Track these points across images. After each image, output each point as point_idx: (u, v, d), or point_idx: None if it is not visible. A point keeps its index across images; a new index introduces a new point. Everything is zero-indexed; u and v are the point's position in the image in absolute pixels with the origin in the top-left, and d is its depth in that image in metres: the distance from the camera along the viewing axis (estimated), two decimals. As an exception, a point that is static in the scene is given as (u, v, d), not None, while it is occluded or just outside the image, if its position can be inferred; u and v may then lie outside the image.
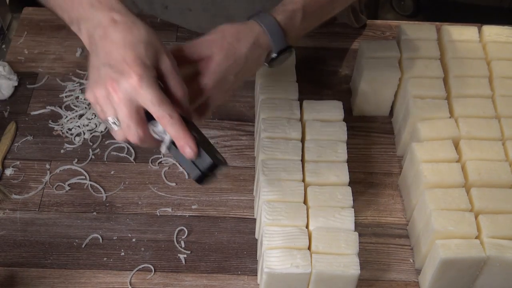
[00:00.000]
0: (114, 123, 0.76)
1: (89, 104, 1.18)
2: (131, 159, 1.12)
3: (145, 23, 0.79)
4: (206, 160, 0.77)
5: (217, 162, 0.78)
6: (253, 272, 1.00)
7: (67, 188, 1.08)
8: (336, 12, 1.03)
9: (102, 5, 0.78)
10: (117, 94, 0.73)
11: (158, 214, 1.06)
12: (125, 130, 0.75)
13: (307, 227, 0.93)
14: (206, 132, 1.16)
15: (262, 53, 0.90)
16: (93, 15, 0.78)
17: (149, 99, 0.73)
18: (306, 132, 1.02)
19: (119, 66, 0.73)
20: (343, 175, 0.98)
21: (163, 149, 0.79)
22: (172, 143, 0.77)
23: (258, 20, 0.91)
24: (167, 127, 0.75)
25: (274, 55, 0.91)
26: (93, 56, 0.77)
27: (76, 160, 1.12)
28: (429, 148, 1.01)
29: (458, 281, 0.94)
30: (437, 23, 1.25)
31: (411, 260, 1.02)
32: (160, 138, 0.78)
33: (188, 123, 0.77)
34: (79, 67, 1.24)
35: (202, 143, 0.78)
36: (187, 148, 0.75)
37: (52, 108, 1.18)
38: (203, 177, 0.78)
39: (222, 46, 0.85)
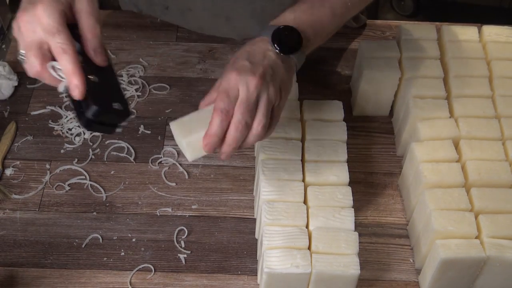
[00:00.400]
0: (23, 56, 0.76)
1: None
2: (131, 159, 1.12)
3: None
4: (91, 106, 0.74)
5: (103, 109, 0.75)
6: (253, 272, 1.00)
7: (67, 188, 1.08)
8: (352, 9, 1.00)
9: None
10: (22, 23, 0.74)
11: (158, 214, 1.06)
12: (26, 60, 0.75)
13: (307, 227, 0.93)
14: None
15: (265, 46, 0.87)
16: None
17: (46, 28, 0.72)
18: (306, 132, 1.02)
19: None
20: (343, 175, 0.98)
21: (61, 87, 0.76)
22: None
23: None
24: (59, 60, 0.73)
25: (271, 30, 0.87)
26: None
27: (76, 160, 1.12)
28: (429, 148, 1.01)
29: (458, 281, 0.94)
30: (437, 23, 1.25)
31: (411, 260, 1.02)
32: (60, 79, 0.76)
33: (96, 67, 0.76)
34: (79, 67, 1.24)
35: (102, 88, 0.76)
36: (74, 87, 0.73)
37: (52, 108, 1.18)
38: (90, 123, 0.76)
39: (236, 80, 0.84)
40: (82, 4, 0.76)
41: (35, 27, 0.73)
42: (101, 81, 0.77)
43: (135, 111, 1.17)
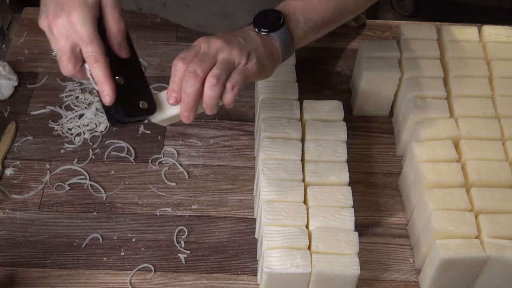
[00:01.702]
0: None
1: (89, 104, 1.18)
2: (131, 159, 1.12)
3: None
4: (119, 110, 0.80)
5: (130, 112, 0.81)
6: (253, 272, 1.00)
7: (67, 188, 1.08)
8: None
9: None
10: (56, 28, 0.77)
11: (158, 214, 1.06)
12: (59, 61, 0.78)
13: (307, 227, 0.93)
14: (206, 132, 1.16)
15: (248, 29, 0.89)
16: None
17: (80, 37, 0.76)
18: (306, 132, 1.02)
19: (61, 0, 0.77)
20: (343, 175, 0.98)
21: (93, 85, 0.81)
22: None
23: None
24: (91, 69, 0.78)
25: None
26: None
27: (76, 160, 1.12)
28: (429, 148, 1.01)
29: (458, 281, 0.94)
30: (437, 23, 1.25)
31: (411, 260, 1.02)
32: (92, 80, 0.81)
33: (120, 61, 0.81)
34: (79, 67, 1.24)
35: (128, 88, 0.80)
36: (105, 95, 0.78)
37: (52, 108, 1.18)
38: (118, 124, 0.82)
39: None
40: (107, 0, 0.79)
41: (68, 33, 0.76)
42: (127, 80, 0.81)
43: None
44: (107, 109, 0.82)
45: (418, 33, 1.16)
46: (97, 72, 0.78)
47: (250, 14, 0.93)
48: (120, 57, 0.82)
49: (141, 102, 0.82)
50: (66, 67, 0.79)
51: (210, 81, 0.81)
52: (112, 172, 1.10)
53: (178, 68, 0.82)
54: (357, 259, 0.90)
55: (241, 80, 0.83)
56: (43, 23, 0.80)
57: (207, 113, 0.84)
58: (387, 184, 1.10)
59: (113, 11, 0.79)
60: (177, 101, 0.82)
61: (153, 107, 0.83)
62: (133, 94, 0.82)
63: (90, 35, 0.76)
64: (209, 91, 0.81)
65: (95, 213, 1.06)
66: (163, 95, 0.84)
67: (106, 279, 0.99)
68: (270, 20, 0.90)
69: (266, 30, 0.89)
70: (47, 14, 0.79)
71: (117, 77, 0.80)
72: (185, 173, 1.11)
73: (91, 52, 0.77)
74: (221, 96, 0.82)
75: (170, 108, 0.84)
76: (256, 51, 0.86)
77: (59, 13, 0.77)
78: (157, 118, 0.85)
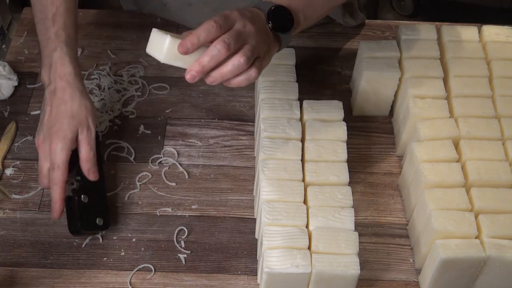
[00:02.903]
0: None
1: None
2: (131, 159, 1.12)
3: (83, 95, 0.98)
4: (77, 223, 1.00)
5: (86, 227, 1.01)
6: (253, 272, 1.00)
7: (67, 188, 1.08)
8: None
9: (58, 70, 0.97)
10: (41, 150, 0.97)
11: (158, 214, 1.06)
12: (39, 174, 0.98)
13: (307, 227, 0.93)
14: (206, 132, 1.16)
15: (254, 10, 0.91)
16: (50, 74, 0.98)
17: (53, 162, 0.95)
18: (306, 132, 1.02)
19: (49, 130, 0.96)
20: (343, 175, 0.98)
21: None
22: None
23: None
24: (50, 188, 0.96)
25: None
26: (42, 107, 0.99)
27: (76, 160, 1.12)
28: (429, 148, 1.01)
29: (458, 281, 0.94)
30: (437, 23, 1.25)
31: (411, 260, 1.02)
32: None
33: (88, 182, 0.99)
34: (79, 67, 1.24)
35: (89, 206, 1.00)
36: (53, 211, 0.96)
37: (52, 108, 1.18)
38: (73, 232, 1.01)
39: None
40: (82, 135, 0.96)
41: (47, 157, 0.96)
42: (91, 198, 1.00)
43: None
44: (69, 219, 1.00)
45: (418, 33, 1.16)
46: (53, 193, 0.95)
47: None
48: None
49: (98, 219, 1.00)
50: (42, 181, 0.97)
51: (240, 60, 0.83)
52: (112, 172, 1.10)
53: (211, 30, 0.82)
54: (357, 259, 0.90)
55: (260, 69, 0.87)
56: (36, 142, 0.98)
57: (207, 81, 0.85)
58: (387, 184, 1.10)
59: (85, 146, 0.96)
60: (186, 53, 0.83)
61: (107, 224, 1.02)
62: (93, 212, 1.00)
63: (60, 163, 0.94)
64: (233, 67, 0.83)
65: (95, 213, 1.06)
66: (175, 42, 0.83)
67: (106, 279, 0.99)
68: (283, 21, 0.92)
69: (277, 29, 0.91)
70: (39, 136, 0.97)
71: (82, 196, 0.99)
72: (185, 173, 1.11)
73: (55, 176, 0.95)
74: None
75: (176, 57, 0.84)
76: (271, 49, 0.90)
77: (46, 140, 0.96)
78: (160, 57, 0.86)
